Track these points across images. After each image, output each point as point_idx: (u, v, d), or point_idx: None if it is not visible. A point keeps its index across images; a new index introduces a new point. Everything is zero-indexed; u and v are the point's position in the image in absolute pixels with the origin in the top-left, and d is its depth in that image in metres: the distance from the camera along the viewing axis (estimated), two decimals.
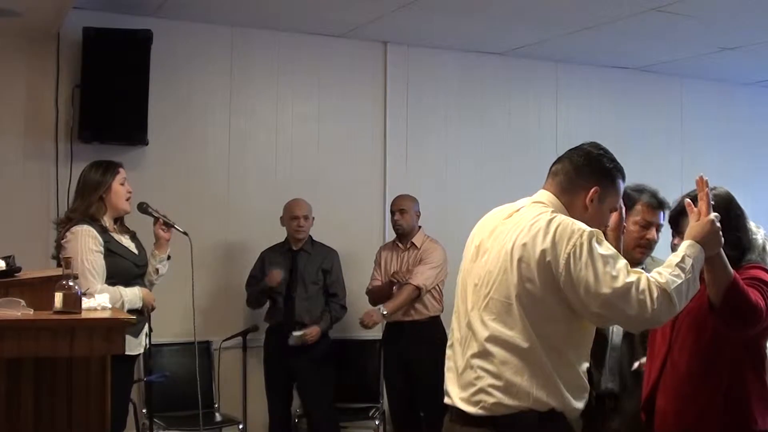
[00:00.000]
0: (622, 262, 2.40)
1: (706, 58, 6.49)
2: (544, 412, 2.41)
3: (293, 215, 5.42)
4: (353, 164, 6.14)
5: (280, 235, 5.56)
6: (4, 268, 3.08)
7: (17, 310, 2.83)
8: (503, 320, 2.43)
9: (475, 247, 2.61)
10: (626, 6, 5.22)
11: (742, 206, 2.90)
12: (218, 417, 5.49)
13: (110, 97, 5.21)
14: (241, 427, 5.44)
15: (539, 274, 2.39)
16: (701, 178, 2.64)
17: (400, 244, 5.59)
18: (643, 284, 2.36)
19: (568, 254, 2.36)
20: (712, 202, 2.61)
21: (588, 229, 2.41)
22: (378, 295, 5.58)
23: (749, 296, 2.62)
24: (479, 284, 2.52)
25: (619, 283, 2.35)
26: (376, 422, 5.80)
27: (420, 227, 5.58)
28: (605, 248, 2.40)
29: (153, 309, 4.23)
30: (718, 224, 2.57)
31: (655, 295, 2.35)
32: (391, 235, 5.90)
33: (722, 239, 2.58)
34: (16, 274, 3.10)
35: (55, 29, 5.21)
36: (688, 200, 2.67)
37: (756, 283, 2.70)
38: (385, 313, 5.35)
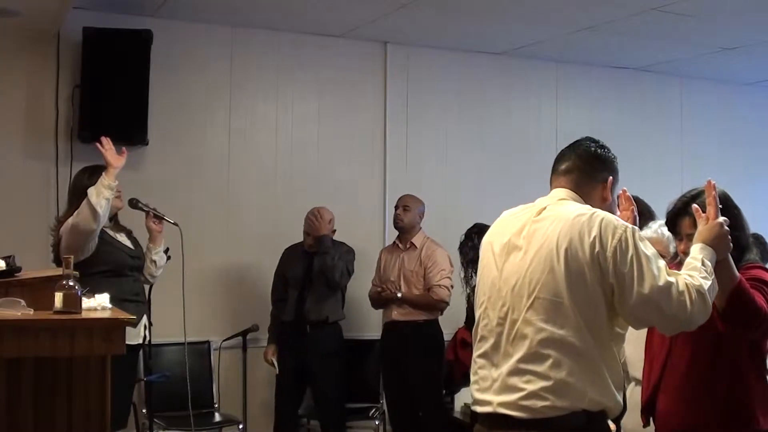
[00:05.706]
0: (662, 262, 2.42)
1: (706, 58, 6.49)
2: (594, 412, 2.38)
3: (307, 233, 5.37)
4: (353, 164, 6.13)
5: (279, 234, 5.57)
6: (4, 268, 3.07)
7: (17, 310, 2.82)
8: (553, 320, 2.37)
9: (502, 247, 2.54)
10: (626, 6, 5.22)
11: (742, 206, 2.89)
12: (218, 417, 5.49)
13: (110, 97, 5.21)
14: (241, 427, 5.43)
15: (589, 267, 2.37)
16: (709, 182, 2.65)
17: (399, 244, 5.56)
18: (681, 285, 2.37)
19: (615, 247, 2.36)
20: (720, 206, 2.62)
21: (629, 225, 2.44)
22: (374, 302, 5.59)
23: (754, 299, 2.62)
24: (518, 285, 2.45)
25: (661, 281, 2.35)
26: (376, 422, 5.80)
27: (421, 228, 5.55)
28: (647, 246, 2.42)
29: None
30: (727, 228, 2.59)
31: (693, 296, 2.36)
32: (391, 235, 5.89)
33: (731, 243, 2.59)
34: (16, 274, 3.10)
35: (55, 29, 5.21)
36: (695, 206, 2.68)
37: (759, 285, 2.70)
38: (399, 295, 5.38)
